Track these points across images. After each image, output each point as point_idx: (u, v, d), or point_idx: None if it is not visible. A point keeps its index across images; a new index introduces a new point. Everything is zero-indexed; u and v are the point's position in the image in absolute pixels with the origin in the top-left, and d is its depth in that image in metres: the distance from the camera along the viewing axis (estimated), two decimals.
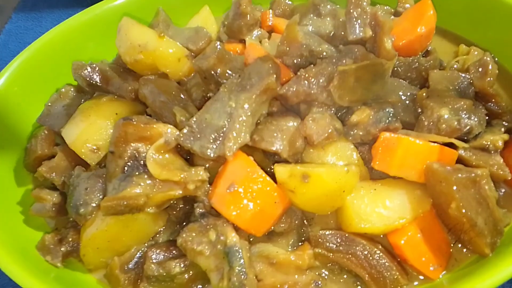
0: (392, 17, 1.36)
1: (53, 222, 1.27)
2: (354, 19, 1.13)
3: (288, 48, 1.17)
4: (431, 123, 1.09)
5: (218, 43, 1.18)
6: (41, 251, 1.17)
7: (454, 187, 0.98)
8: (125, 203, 1.03)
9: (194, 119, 1.08)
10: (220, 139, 1.04)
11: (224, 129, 1.05)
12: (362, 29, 1.13)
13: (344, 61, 1.12)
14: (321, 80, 1.11)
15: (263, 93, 1.07)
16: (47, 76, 1.47)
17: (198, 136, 1.05)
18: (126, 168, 1.09)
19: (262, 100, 1.08)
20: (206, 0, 1.63)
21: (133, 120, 1.10)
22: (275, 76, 1.07)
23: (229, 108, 1.06)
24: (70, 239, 1.17)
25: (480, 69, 1.19)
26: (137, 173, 1.08)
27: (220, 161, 1.07)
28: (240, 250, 1.00)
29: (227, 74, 1.16)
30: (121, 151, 1.09)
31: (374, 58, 1.14)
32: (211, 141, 1.04)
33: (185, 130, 1.06)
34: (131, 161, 1.09)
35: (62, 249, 1.16)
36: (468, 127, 1.06)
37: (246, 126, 1.04)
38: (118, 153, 1.09)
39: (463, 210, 0.98)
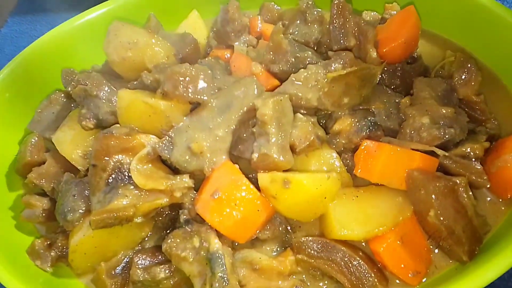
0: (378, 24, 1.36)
1: (44, 227, 1.29)
2: (338, 29, 1.14)
3: (274, 57, 1.19)
4: (413, 131, 1.10)
5: None
6: (31, 256, 1.20)
7: (433, 195, 0.99)
8: (114, 215, 1.04)
9: (175, 129, 1.09)
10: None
11: (205, 143, 1.06)
12: (346, 38, 1.14)
13: (333, 66, 1.13)
14: (311, 85, 1.12)
15: (246, 113, 1.08)
16: (40, 81, 1.48)
17: (177, 147, 1.07)
18: (110, 180, 1.09)
19: (245, 120, 1.09)
20: (196, 4, 1.64)
21: (114, 132, 1.10)
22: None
23: (210, 125, 1.07)
24: (60, 244, 1.19)
25: (463, 76, 1.21)
26: (122, 184, 1.09)
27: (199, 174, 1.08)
28: (222, 257, 1.02)
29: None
30: (104, 164, 1.09)
31: (362, 63, 1.15)
32: (188, 154, 1.06)
33: (164, 140, 1.08)
34: (115, 173, 1.09)
35: (52, 254, 1.18)
36: (448, 136, 1.06)
37: (222, 145, 1.05)
38: (101, 166, 1.09)
39: (441, 218, 0.99)
